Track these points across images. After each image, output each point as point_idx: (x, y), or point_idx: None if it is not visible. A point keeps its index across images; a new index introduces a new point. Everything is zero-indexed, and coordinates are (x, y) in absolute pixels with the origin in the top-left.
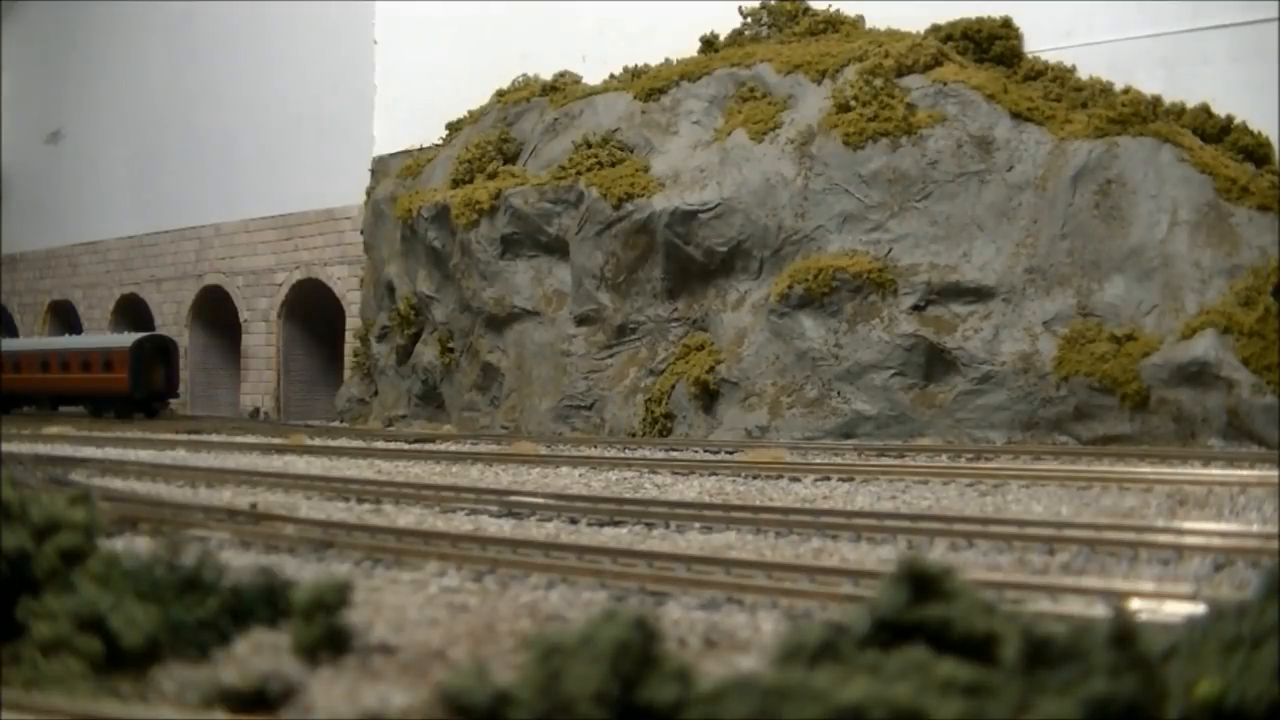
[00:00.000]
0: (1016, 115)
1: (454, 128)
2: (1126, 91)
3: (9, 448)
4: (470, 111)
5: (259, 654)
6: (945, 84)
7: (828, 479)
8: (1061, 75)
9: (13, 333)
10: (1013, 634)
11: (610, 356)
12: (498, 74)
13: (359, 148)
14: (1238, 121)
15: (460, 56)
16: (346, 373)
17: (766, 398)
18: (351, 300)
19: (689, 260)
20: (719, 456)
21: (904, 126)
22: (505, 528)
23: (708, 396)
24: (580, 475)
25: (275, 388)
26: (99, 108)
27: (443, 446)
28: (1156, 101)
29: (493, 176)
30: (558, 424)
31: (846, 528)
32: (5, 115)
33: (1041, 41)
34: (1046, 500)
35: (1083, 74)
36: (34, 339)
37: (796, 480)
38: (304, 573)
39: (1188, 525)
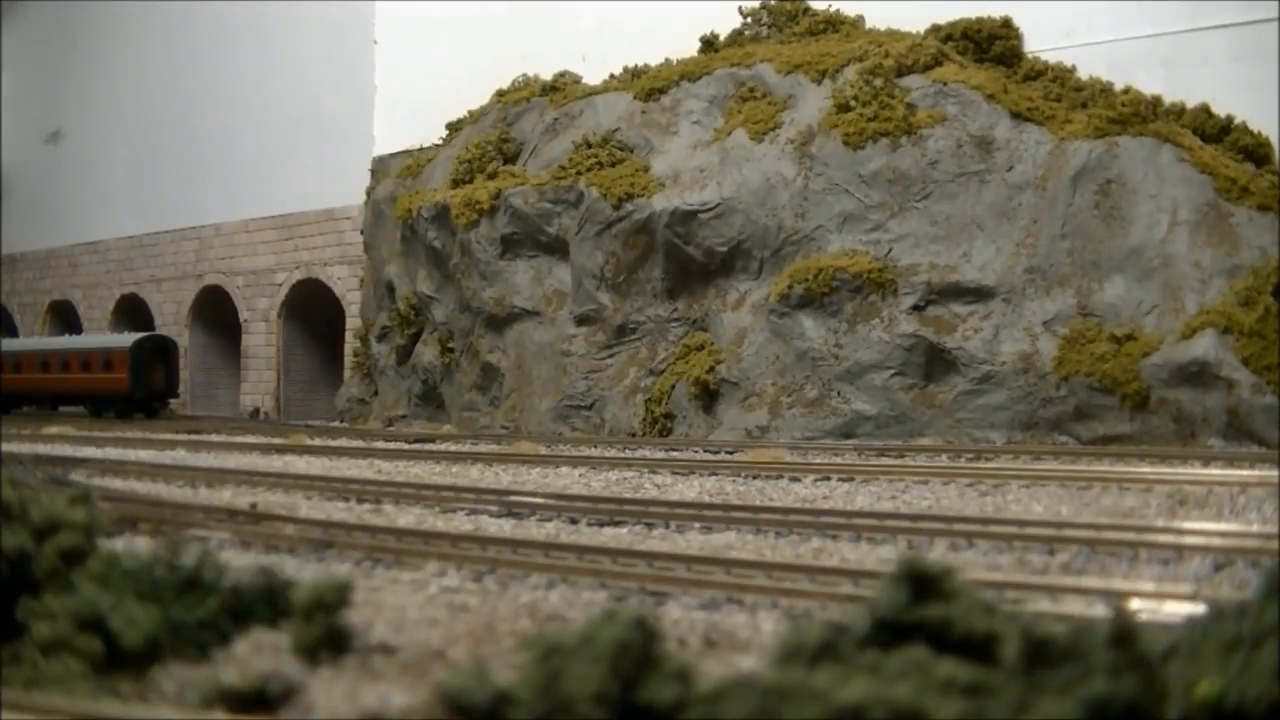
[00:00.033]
0: (1016, 115)
1: (454, 128)
2: (1126, 91)
3: (9, 448)
4: (470, 111)
5: (259, 654)
6: (945, 84)
7: (828, 479)
8: (1061, 75)
9: (13, 333)
10: (1013, 634)
11: (610, 356)
12: (498, 74)
13: (359, 148)
14: (1238, 121)
15: (460, 56)
16: (346, 373)
17: (766, 398)
18: (351, 300)
19: (689, 260)
20: (719, 456)
21: (904, 126)
22: (505, 528)
23: (708, 396)
24: (580, 475)
25: (275, 388)
26: (99, 108)
27: (443, 446)
28: (1156, 101)
29: (493, 176)
30: (558, 424)
31: (846, 528)
32: (5, 115)
33: (1041, 41)
34: (1046, 500)
35: (1083, 74)
36: (34, 339)
37: (796, 480)
38: (304, 573)
39: (1188, 525)
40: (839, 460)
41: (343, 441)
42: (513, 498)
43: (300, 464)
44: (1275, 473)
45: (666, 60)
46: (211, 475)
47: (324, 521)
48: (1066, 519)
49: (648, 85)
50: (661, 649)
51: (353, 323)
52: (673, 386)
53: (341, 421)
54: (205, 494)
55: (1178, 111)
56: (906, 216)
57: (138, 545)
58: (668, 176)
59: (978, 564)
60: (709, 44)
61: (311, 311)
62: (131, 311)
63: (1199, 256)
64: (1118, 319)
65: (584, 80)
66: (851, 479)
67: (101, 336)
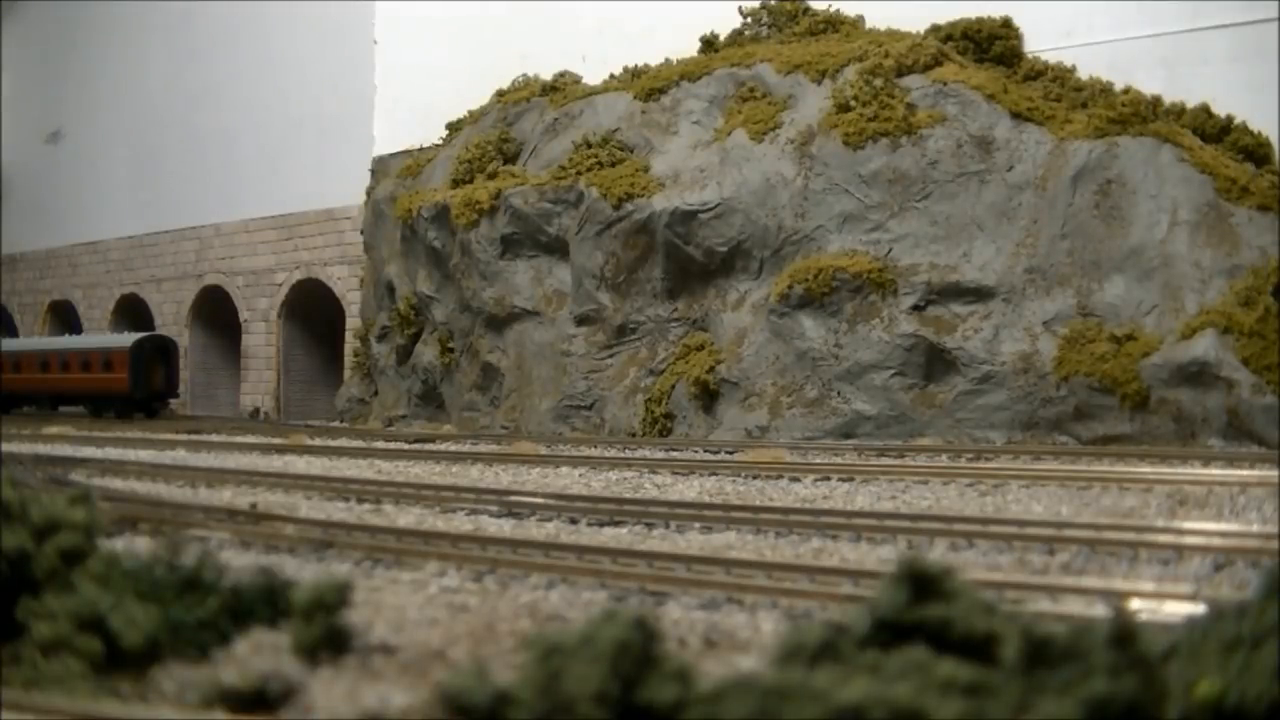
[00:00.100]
0: (1016, 115)
1: (454, 128)
2: (1126, 91)
3: (9, 448)
4: (470, 111)
5: (259, 654)
6: (945, 84)
7: (828, 479)
8: (1061, 75)
9: (13, 333)
10: (1013, 634)
11: (610, 356)
12: (498, 74)
13: (359, 148)
14: (1238, 121)
15: (460, 56)
16: (346, 373)
17: (766, 398)
18: (351, 300)
19: (689, 260)
20: (719, 456)
21: (904, 126)
22: (505, 528)
23: (708, 396)
24: (580, 475)
25: (275, 388)
26: (99, 108)
27: (443, 446)
28: (1156, 101)
29: (493, 176)
30: (558, 424)
31: (846, 528)
32: (5, 115)
33: (1041, 41)
34: (1046, 500)
35: (1083, 74)
36: (34, 339)
37: (796, 480)
38: (304, 573)
39: (1188, 525)
40: (839, 460)
41: (343, 441)
42: (513, 498)
43: (300, 464)
44: (1275, 473)
45: (666, 60)
46: (211, 475)
47: (324, 521)
48: (1066, 519)
49: (648, 85)
50: (661, 649)
51: (353, 323)
52: (673, 386)
53: (341, 421)
54: (205, 494)
55: (1178, 111)
56: (906, 216)
57: (138, 545)
58: (668, 176)
59: (978, 564)
60: (709, 44)
61: (311, 311)
62: (131, 311)
63: (1199, 256)
64: (1118, 319)
65: (584, 80)
66: (851, 479)
67: (101, 336)
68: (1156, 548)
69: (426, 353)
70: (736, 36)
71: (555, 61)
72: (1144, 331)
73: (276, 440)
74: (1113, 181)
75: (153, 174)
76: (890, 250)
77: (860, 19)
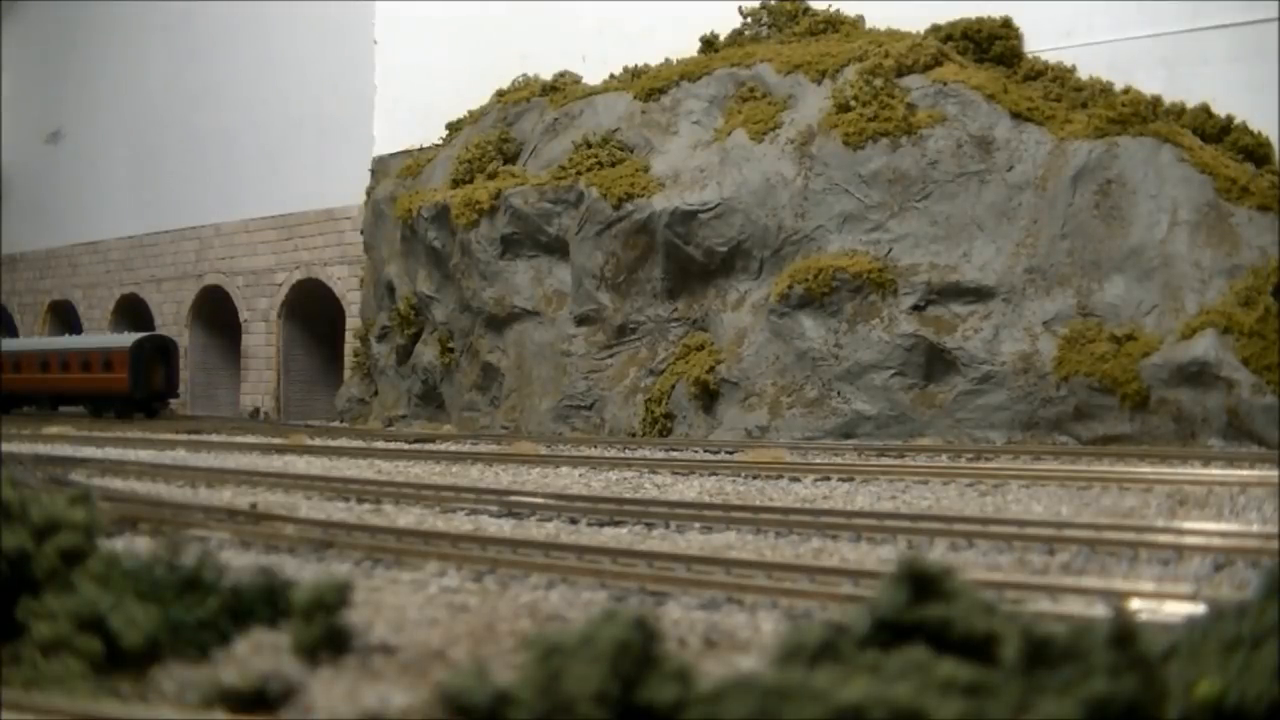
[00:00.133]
0: (1016, 115)
1: (454, 128)
2: (1126, 91)
3: (9, 448)
4: (470, 111)
5: (259, 654)
6: (945, 84)
7: (828, 479)
8: (1061, 75)
9: (13, 333)
10: (1013, 634)
11: (610, 356)
12: (498, 74)
13: (359, 148)
14: (1238, 121)
15: (460, 56)
16: (346, 373)
17: (766, 398)
18: (351, 300)
19: (689, 260)
20: (719, 456)
21: (904, 126)
22: (505, 528)
23: (708, 396)
24: (580, 475)
25: (275, 388)
26: (99, 108)
27: (443, 446)
28: (1156, 101)
29: (493, 176)
30: (558, 424)
31: (846, 528)
32: (5, 115)
33: (1041, 41)
34: (1046, 500)
35: (1083, 74)
36: (34, 339)
37: (796, 480)
38: (304, 573)
39: (1188, 525)
40: (839, 460)
41: (343, 441)
42: (513, 498)
43: (300, 464)
44: (1275, 473)
45: (666, 60)
46: (211, 475)
47: (324, 521)
48: (1066, 519)
49: (648, 85)
50: (661, 649)
51: (353, 323)
52: (673, 386)
53: (341, 421)
54: (205, 494)
55: (1178, 111)
56: (906, 216)
57: (138, 545)
58: (668, 176)
59: (978, 564)
60: (709, 44)
61: (311, 311)
62: (131, 311)
63: (1199, 256)
64: (1118, 319)
65: (584, 80)
66: (851, 479)
67: (101, 336)
68: (1156, 548)
69: (426, 353)
70: (736, 36)
71: (555, 61)
72: (1144, 331)
73: (276, 440)
74: (1113, 181)
75: (153, 174)
76: (890, 250)
77: (860, 19)
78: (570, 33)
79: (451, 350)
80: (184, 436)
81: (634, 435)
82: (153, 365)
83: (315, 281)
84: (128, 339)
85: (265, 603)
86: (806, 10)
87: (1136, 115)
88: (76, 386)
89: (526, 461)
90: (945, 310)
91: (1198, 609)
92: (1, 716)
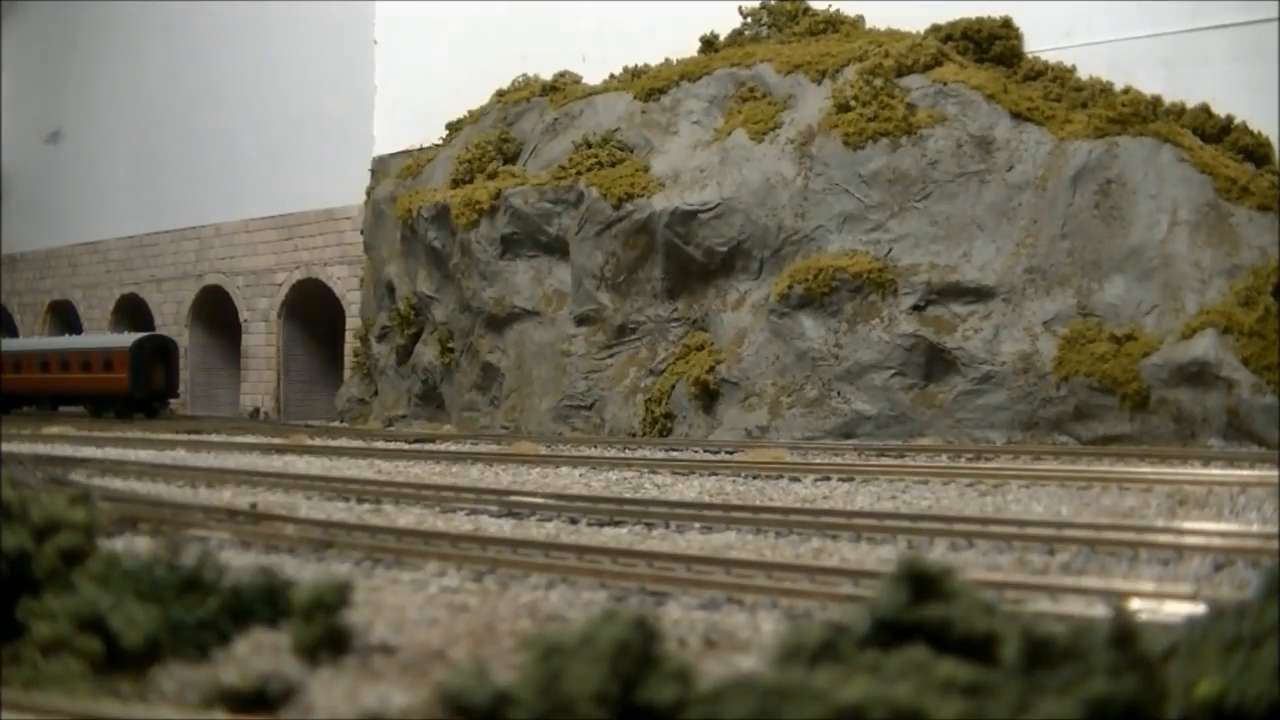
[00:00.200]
0: (1016, 115)
1: (454, 128)
2: (1126, 91)
3: (9, 448)
4: (470, 111)
5: (259, 654)
6: (945, 84)
7: (828, 479)
8: (1061, 75)
9: (13, 333)
10: (1013, 634)
11: (610, 356)
12: (498, 74)
13: (359, 148)
14: (1238, 121)
15: (460, 56)
16: (346, 373)
17: (766, 398)
18: (351, 300)
19: (689, 260)
20: (719, 456)
21: (904, 126)
22: (505, 528)
23: (708, 396)
24: (580, 475)
25: (275, 388)
26: (99, 108)
27: (443, 446)
28: (1156, 101)
29: (493, 176)
30: (558, 424)
31: (846, 528)
32: (5, 115)
33: (1041, 41)
34: (1046, 500)
35: (1083, 74)
36: (34, 339)
37: (796, 480)
38: (304, 573)
39: (1188, 525)
40: (839, 460)
41: (343, 441)
42: (513, 498)
43: (300, 464)
44: (1275, 473)
45: (666, 60)
46: (211, 475)
47: (324, 521)
48: (1066, 519)
49: (648, 85)
50: (661, 649)
51: (353, 323)
52: (673, 386)
53: (341, 421)
54: (205, 494)
55: (1178, 111)
56: (906, 216)
57: (138, 545)
58: (668, 176)
59: (978, 564)
60: (709, 44)
61: (311, 311)
62: (131, 311)
63: (1199, 256)
64: (1118, 319)
65: (584, 80)
66: (851, 479)
67: (101, 336)
68: (1156, 548)
69: (426, 353)
70: (736, 36)
71: (555, 61)
72: (1144, 331)
73: (276, 440)
74: (1113, 181)
75: (153, 174)
76: (890, 250)
77: (860, 19)
78: (570, 33)
79: (451, 350)
80: (184, 436)
81: (634, 435)
82: (153, 365)
83: (315, 281)
84: (128, 339)
85: (265, 603)
86: (806, 10)
87: (1136, 115)
88: (76, 386)
89: (526, 461)
90: (945, 310)
91: (1198, 609)
92: (1, 716)
